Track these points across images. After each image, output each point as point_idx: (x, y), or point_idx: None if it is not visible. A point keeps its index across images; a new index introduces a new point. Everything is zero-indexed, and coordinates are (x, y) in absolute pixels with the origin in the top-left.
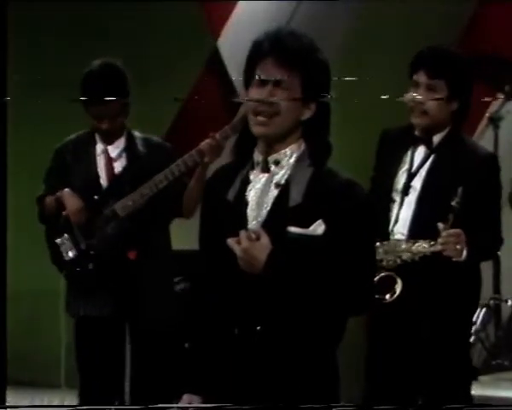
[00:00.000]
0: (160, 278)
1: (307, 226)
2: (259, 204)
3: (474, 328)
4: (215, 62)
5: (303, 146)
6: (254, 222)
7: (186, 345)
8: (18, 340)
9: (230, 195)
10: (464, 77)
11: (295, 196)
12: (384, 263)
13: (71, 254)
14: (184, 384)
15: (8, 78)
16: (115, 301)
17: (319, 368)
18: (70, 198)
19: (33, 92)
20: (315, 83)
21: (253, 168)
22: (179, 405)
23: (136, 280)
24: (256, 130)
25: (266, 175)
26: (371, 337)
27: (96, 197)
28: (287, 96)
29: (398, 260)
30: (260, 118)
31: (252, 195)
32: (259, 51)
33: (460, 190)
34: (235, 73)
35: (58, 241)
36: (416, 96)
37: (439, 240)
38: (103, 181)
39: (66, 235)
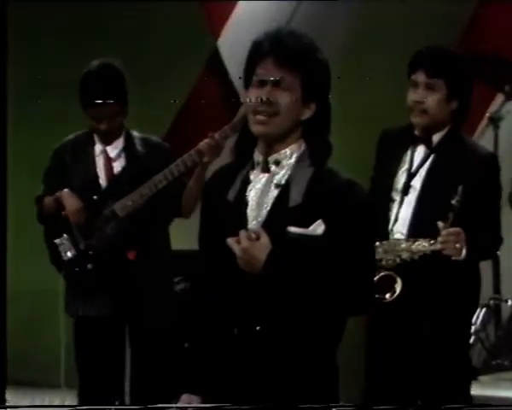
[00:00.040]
0: (160, 279)
1: (307, 226)
2: (259, 204)
3: (474, 328)
4: (215, 62)
5: (303, 146)
6: (254, 222)
7: (186, 345)
8: (18, 340)
9: (230, 195)
10: (463, 76)
11: (295, 197)
12: (384, 262)
13: (70, 254)
14: (183, 384)
15: (8, 78)
16: (114, 301)
17: (319, 368)
18: (69, 198)
19: (33, 92)
20: (315, 83)
21: (253, 168)
22: (178, 405)
23: (135, 280)
24: (255, 129)
25: (266, 175)
26: (371, 337)
27: (95, 197)
28: (286, 96)
29: (398, 260)
30: (260, 117)
31: (252, 195)
32: (259, 51)
33: (460, 188)
34: (235, 73)
35: (57, 241)
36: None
37: (439, 239)
38: (102, 181)
39: (65, 235)
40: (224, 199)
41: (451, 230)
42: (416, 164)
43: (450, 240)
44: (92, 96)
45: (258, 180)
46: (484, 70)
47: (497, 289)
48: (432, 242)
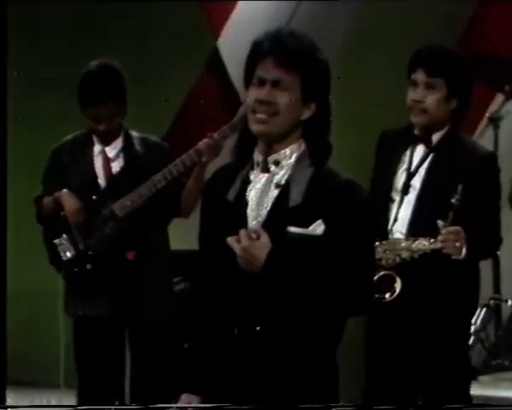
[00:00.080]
0: (159, 279)
1: (307, 226)
2: (259, 204)
3: (474, 328)
4: (215, 62)
5: (303, 146)
6: (254, 222)
7: (185, 345)
8: (18, 340)
9: (230, 195)
10: (463, 75)
11: (295, 197)
12: (383, 262)
13: (69, 254)
14: (183, 384)
15: (8, 78)
16: (113, 301)
17: (319, 368)
18: (68, 199)
19: (33, 92)
20: (314, 83)
21: (252, 168)
22: (178, 405)
23: (134, 280)
24: (255, 128)
25: (266, 175)
26: (370, 337)
27: (94, 198)
28: (286, 96)
29: (398, 259)
30: (260, 116)
31: (252, 195)
32: (259, 51)
33: (460, 187)
34: (235, 73)
35: (56, 241)
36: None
37: (439, 237)
38: (101, 181)
39: (64, 235)
40: (224, 199)
41: (451, 228)
42: (415, 163)
43: (450, 239)
44: (91, 96)
45: (258, 180)
46: (484, 70)
47: (497, 289)
48: (432, 240)
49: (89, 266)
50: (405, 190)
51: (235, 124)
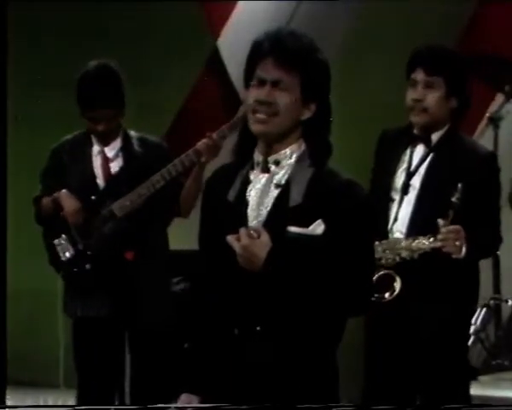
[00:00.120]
0: (158, 279)
1: (307, 226)
2: (259, 204)
3: (474, 328)
4: (215, 62)
5: (303, 146)
6: (255, 222)
7: (185, 345)
8: (18, 340)
9: (231, 195)
10: (462, 74)
11: (295, 197)
12: (383, 261)
13: (68, 254)
14: (183, 384)
15: (8, 78)
16: (113, 301)
17: (319, 368)
18: (67, 199)
19: (33, 92)
20: (314, 83)
21: (253, 168)
22: (178, 405)
23: (133, 281)
24: (255, 128)
25: (266, 175)
26: (370, 336)
27: (93, 198)
28: (286, 96)
29: (398, 258)
30: (259, 116)
31: (252, 195)
32: (259, 51)
33: (460, 185)
34: (235, 73)
35: (55, 241)
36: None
37: (439, 236)
38: (100, 181)
39: (63, 235)
40: (225, 199)
41: (451, 227)
42: (415, 163)
43: (449, 237)
44: (90, 98)
45: (258, 180)
46: (484, 70)
47: (497, 289)
48: (431, 239)
49: (88, 267)
50: (405, 189)
51: (234, 124)
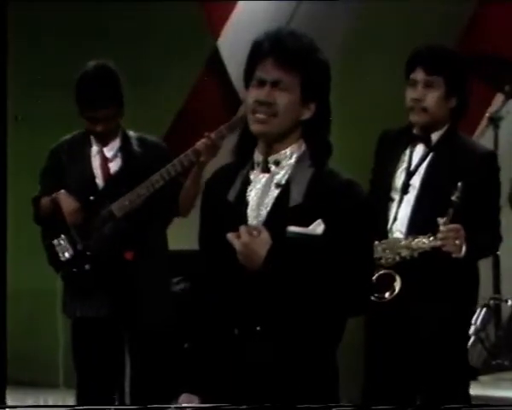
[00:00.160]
0: (157, 279)
1: (307, 226)
2: (260, 204)
3: (474, 328)
4: (215, 62)
5: (303, 146)
6: (255, 222)
7: (185, 345)
8: (18, 340)
9: (231, 195)
10: (462, 73)
11: (296, 196)
12: (383, 261)
13: (67, 254)
14: (183, 384)
15: (8, 78)
16: (112, 301)
17: (319, 368)
18: (66, 199)
19: (33, 92)
20: (314, 83)
21: (253, 168)
22: (178, 405)
23: (133, 281)
24: (255, 128)
25: (267, 175)
26: (370, 336)
27: (92, 198)
28: (285, 96)
29: (397, 258)
30: (259, 116)
31: (252, 195)
32: (259, 51)
33: (460, 184)
34: (235, 73)
35: (54, 242)
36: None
37: (439, 235)
38: (99, 182)
39: (62, 236)
40: (225, 199)
41: (451, 226)
42: (415, 163)
43: (449, 236)
44: (89, 99)
45: (258, 180)
46: (484, 70)
47: (497, 289)
48: (431, 238)
49: (87, 267)
50: (405, 189)
51: (233, 124)
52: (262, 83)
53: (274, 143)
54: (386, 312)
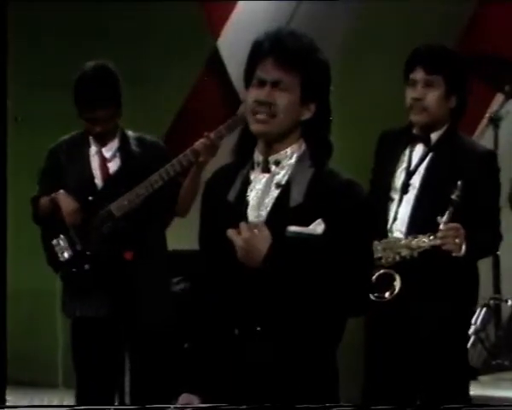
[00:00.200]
0: (157, 279)
1: (308, 226)
2: (260, 204)
3: (474, 328)
4: (215, 62)
5: (303, 146)
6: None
7: (185, 345)
8: (18, 340)
9: (231, 195)
10: (462, 73)
11: (296, 196)
12: (383, 260)
13: (66, 255)
14: (183, 384)
15: (8, 78)
16: (111, 301)
17: (318, 368)
18: (65, 199)
19: (33, 92)
20: (314, 83)
21: (253, 168)
22: (178, 405)
23: (132, 281)
24: (255, 128)
25: (267, 175)
26: (370, 336)
27: (91, 198)
28: (285, 96)
29: (397, 257)
30: (259, 116)
31: (252, 195)
32: (260, 51)
33: (460, 183)
34: (235, 73)
35: (54, 242)
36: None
37: (438, 234)
38: (98, 182)
39: (61, 236)
40: (225, 199)
41: (451, 225)
42: (414, 162)
43: (449, 235)
44: (87, 99)
45: (258, 180)
46: (484, 70)
47: (497, 289)
48: (431, 237)
49: (87, 267)
50: (405, 189)
51: (232, 124)
52: (262, 83)
53: (274, 143)
54: (387, 311)
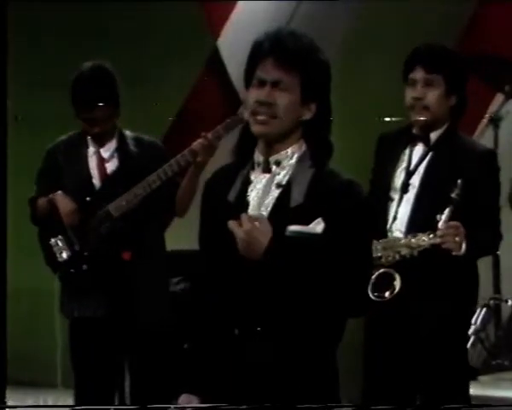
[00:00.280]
0: (155, 279)
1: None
2: (260, 205)
3: (474, 328)
4: (215, 62)
5: (304, 146)
6: None
7: (185, 345)
8: (18, 340)
9: (231, 195)
10: (461, 72)
11: (297, 197)
12: (383, 260)
13: (65, 255)
14: (183, 384)
15: (8, 78)
16: (110, 301)
17: (319, 368)
18: (63, 200)
19: (33, 92)
20: (315, 83)
21: (253, 169)
22: (178, 405)
23: (130, 281)
24: (255, 129)
25: (267, 176)
26: (370, 335)
27: (88, 198)
28: (286, 96)
29: (397, 256)
30: (260, 117)
31: (253, 195)
32: (260, 51)
33: (460, 181)
34: (235, 73)
35: (52, 242)
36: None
37: (438, 232)
38: (96, 182)
39: (59, 236)
40: (225, 200)
41: (451, 223)
42: (414, 162)
43: (449, 233)
44: (84, 99)
45: (258, 181)
46: (484, 70)
47: (497, 289)
48: (431, 236)
49: (85, 267)
50: (404, 188)
51: (230, 124)
52: (262, 83)
53: (274, 143)
54: (386, 311)
